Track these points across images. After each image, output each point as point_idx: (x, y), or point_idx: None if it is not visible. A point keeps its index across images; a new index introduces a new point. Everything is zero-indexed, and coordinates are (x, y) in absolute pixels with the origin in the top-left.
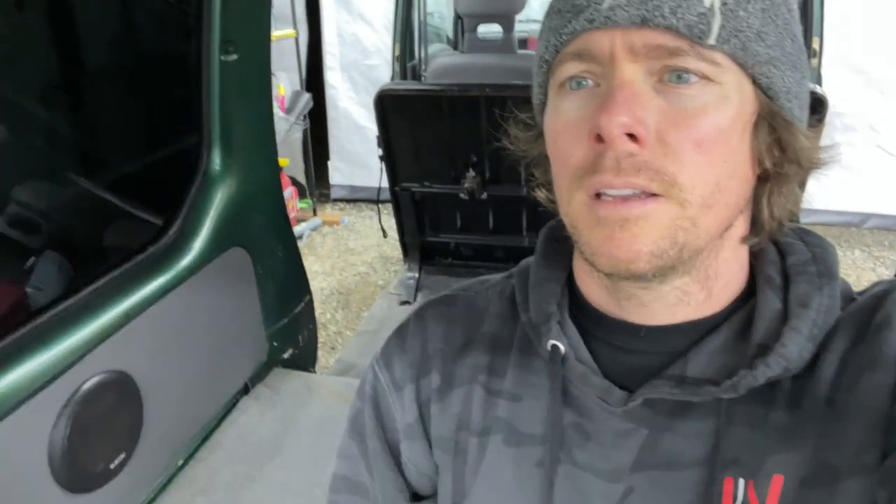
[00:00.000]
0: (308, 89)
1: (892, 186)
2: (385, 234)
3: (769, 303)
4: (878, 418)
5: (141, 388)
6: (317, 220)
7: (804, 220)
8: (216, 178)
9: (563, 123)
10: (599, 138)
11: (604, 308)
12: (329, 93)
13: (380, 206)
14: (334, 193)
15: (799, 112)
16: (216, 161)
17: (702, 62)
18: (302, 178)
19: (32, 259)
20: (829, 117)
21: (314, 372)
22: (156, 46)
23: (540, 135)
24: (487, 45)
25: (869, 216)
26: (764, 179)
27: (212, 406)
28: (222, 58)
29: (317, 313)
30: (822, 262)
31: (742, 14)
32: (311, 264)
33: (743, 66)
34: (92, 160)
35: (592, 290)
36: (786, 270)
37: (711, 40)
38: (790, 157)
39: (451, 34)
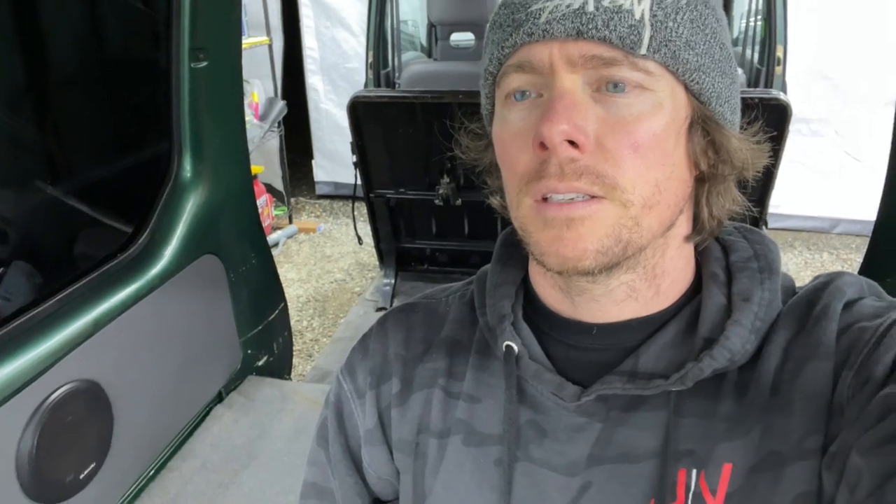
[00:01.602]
0: (287, 94)
1: (860, 191)
2: (360, 242)
3: (713, 298)
4: (819, 405)
5: (111, 397)
6: (293, 228)
7: (774, 224)
8: (187, 185)
9: (509, 133)
10: (543, 146)
11: (557, 308)
12: (311, 95)
13: (355, 213)
14: (319, 190)
15: (730, 115)
16: (187, 168)
17: (635, 71)
18: (278, 186)
19: (1, 269)
20: (796, 124)
21: (289, 379)
22: (125, 52)
23: (490, 144)
24: (461, 53)
25: (839, 221)
26: (701, 180)
27: (184, 415)
28: (192, 65)
29: (293, 321)
30: (764, 259)
31: (671, 25)
32: (287, 272)
33: (674, 74)
34: (60, 167)
35: (546, 290)
36: (729, 267)
37: (643, 50)
38: (723, 158)
39: (424, 42)
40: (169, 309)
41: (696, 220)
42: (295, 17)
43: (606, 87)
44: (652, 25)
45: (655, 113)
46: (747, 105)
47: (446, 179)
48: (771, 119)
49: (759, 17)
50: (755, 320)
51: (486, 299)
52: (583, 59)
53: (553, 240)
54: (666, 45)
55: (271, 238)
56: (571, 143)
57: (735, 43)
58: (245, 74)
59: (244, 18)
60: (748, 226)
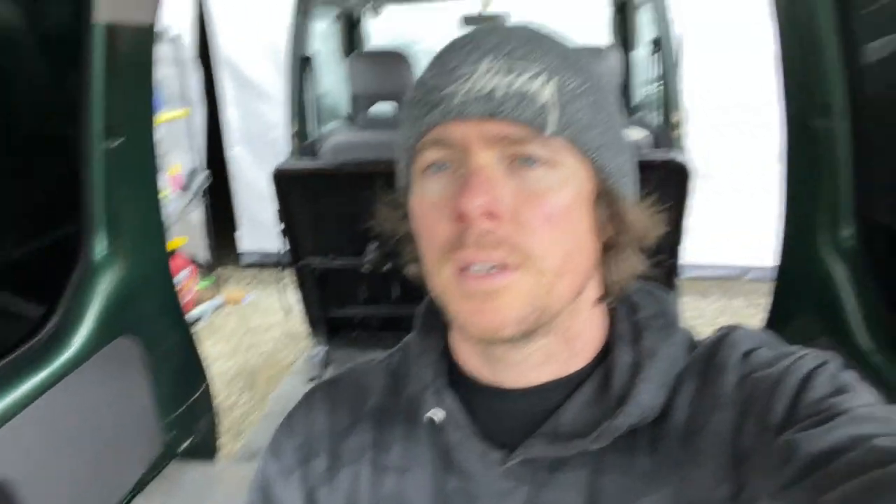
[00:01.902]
0: (211, 164)
1: (763, 241)
2: (288, 312)
3: (623, 356)
4: (726, 454)
5: (21, 494)
6: (219, 300)
7: (691, 273)
8: (100, 266)
9: (428, 204)
10: (462, 218)
11: (478, 374)
12: (233, 165)
13: (283, 283)
14: (245, 259)
15: (628, 189)
16: (99, 247)
17: (543, 149)
18: (203, 257)
19: None
20: (703, 180)
21: (217, 461)
22: (35, 129)
23: (406, 214)
24: (384, 122)
25: (748, 269)
26: (607, 248)
27: None
28: (105, 143)
29: (221, 397)
30: (666, 316)
31: (574, 107)
32: (213, 345)
33: (579, 151)
34: None
35: (467, 357)
36: (636, 325)
37: (549, 130)
38: (624, 229)
39: (348, 111)
40: (82, 395)
41: (604, 283)
42: (215, 89)
43: (518, 162)
44: (557, 108)
45: (563, 186)
46: (651, 167)
47: (373, 246)
48: (673, 179)
49: (658, 84)
50: (662, 375)
51: (410, 368)
52: (496, 138)
53: (473, 312)
54: (570, 126)
55: (196, 311)
56: (488, 214)
57: (638, 108)
58: (167, 146)
59: (162, 92)
60: (651, 285)
